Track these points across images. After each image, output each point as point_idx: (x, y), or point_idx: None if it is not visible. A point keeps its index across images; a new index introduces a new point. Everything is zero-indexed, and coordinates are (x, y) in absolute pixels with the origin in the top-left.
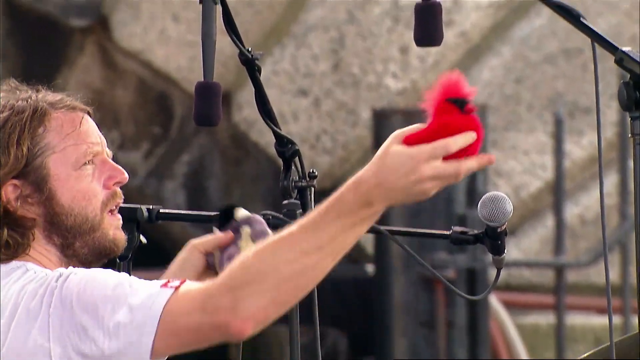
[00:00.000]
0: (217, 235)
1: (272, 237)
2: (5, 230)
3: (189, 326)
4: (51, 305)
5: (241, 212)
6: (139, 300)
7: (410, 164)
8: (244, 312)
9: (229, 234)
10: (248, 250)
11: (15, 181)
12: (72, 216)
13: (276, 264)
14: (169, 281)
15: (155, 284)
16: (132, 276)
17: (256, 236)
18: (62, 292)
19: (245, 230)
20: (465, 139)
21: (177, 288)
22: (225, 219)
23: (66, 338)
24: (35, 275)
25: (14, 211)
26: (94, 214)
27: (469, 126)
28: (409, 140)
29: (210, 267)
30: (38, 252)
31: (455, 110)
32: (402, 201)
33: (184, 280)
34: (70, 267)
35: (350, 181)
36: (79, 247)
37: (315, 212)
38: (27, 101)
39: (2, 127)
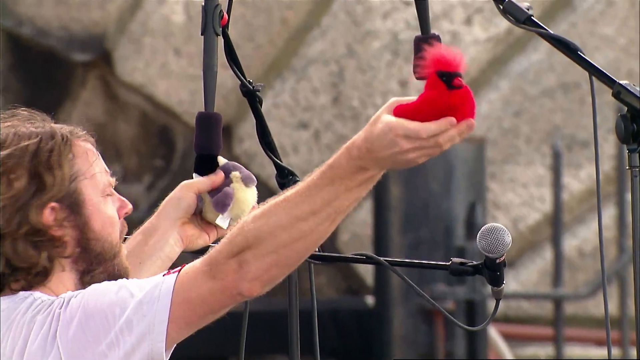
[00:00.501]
0: (210, 177)
1: (270, 201)
2: (45, 254)
3: (201, 296)
4: (57, 331)
5: (222, 159)
6: (144, 292)
7: (390, 137)
8: (249, 274)
9: (220, 175)
10: (241, 192)
11: (53, 204)
12: (101, 242)
13: (273, 229)
14: (169, 272)
15: (157, 275)
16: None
17: (246, 179)
18: (66, 314)
19: (235, 174)
20: (438, 125)
21: (179, 271)
22: (208, 166)
23: (81, 354)
24: (43, 304)
25: (51, 233)
26: (116, 241)
27: (452, 102)
28: (397, 111)
29: (197, 208)
30: (55, 277)
31: (442, 86)
32: (393, 168)
33: (183, 265)
34: (70, 292)
35: (343, 147)
36: (99, 273)
37: (309, 177)
38: (51, 127)
39: (39, 149)
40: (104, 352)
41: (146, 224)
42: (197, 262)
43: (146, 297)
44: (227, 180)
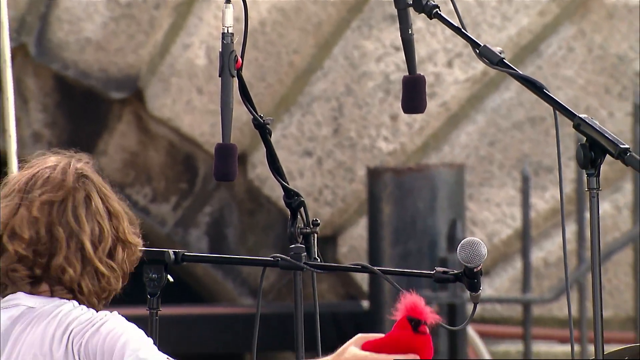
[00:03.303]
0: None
1: None
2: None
3: None
4: (81, 345)
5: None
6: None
7: None
8: None
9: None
10: None
11: None
12: None
13: None
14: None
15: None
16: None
17: None
18: (93, 337)
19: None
20: (406, 356)
21: None
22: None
23: None
24: (82, 312)
25: None
26: None
27: (415, 345)
28: (365, 346)
29: None
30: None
31: (409, 328)
32: None
33: None
34: (106, 313)
35: None
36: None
37: None
38: None
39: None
40: None
41: None
42: None
43: None
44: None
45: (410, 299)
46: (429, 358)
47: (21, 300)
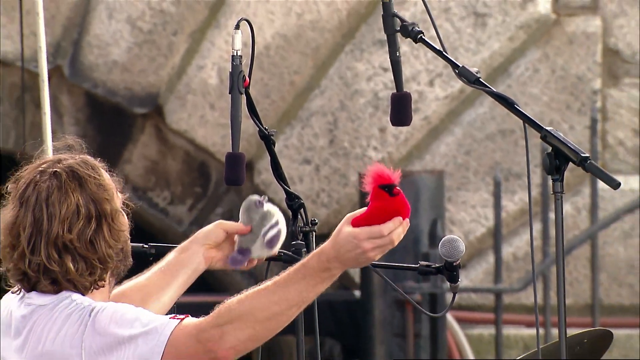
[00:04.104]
0: (240, 226)
1: (254, 287)
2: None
3: (187, 352)
4: (84, 333)
5: (273, 218)
6: (151, 328)
7: (355, 242)
8: (227, 344)
9: (247, 229)
10: (262, 251)
11: None
12: None
13: (253, 310)
14: (175, 315)
15: (165, 317)
16: (145, 310)
17: (269, 242)
18: (94, 323)
19: (265, 236)
20: (394, 223)
21: (181, 320)
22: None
23: (95, 357)
24: (78, 305)
25: None
26: None
27: (395, 207)
28: (355, 222)
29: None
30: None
31: (385, 195)
32: (354, 266)
33: (187, 315)
34: (102, 303)
35: (314, 252)
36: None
37: (287, 272)
38: None
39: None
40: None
41: (181, 245)
42: (192, 324)
43: (152, 332)
44: (253, 235)
45: (374, 170)
46: (408, 214)
47: (33, 299)
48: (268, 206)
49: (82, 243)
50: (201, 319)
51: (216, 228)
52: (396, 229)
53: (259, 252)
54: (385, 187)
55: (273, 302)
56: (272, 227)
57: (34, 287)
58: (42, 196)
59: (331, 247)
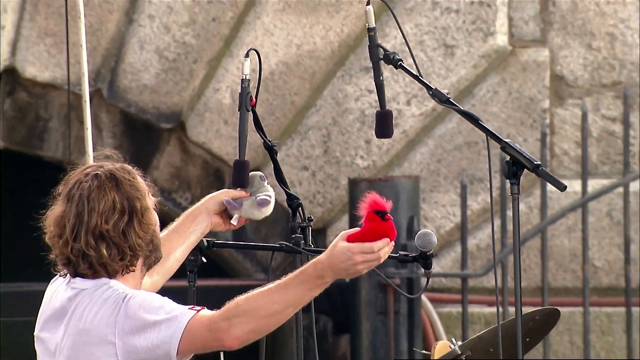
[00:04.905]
0: (242, 193)
1: (259, 289)
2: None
3: (200, 339)
4: (118, 315)
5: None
6: (173, 316)
7: (348, 254)
8: (233, 334)
9: (245, 194)
10: (255, 211)
11: None
12: None
13: (257, 307)
14: (194, 306)
15: (184, 307)
16: (169, 300)
17: (260, 203)
18: (126, 308)
19: (258, 197)
20: (383, 242)
21: (198, 311)
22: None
23: (125, 337)
24: (114, 291)
25: None
26: None
27: (386, 230)
28: (350, 239)
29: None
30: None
31: (378, 219)
32: (343, 277)
33: (203, 307)
34: (134, 290)
35: (311, 261)
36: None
37: (287, 277)
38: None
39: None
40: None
41: (191, 209)
42: (207, 315)
43: (173, 320)
44: (248, 200)
45: (370, 198)
46: (395, 237)
47: (77, 284)
48: (266, 183)
49: (116, 233)
50: (214, 311)
51: (222, 195)
52: (384, 248)
53: (248, 207)
54: (379, 213)
55: (274, 302)
56: (265, 195)
57: (76, 272)
58: (84, 193)
59: (326, 258)
